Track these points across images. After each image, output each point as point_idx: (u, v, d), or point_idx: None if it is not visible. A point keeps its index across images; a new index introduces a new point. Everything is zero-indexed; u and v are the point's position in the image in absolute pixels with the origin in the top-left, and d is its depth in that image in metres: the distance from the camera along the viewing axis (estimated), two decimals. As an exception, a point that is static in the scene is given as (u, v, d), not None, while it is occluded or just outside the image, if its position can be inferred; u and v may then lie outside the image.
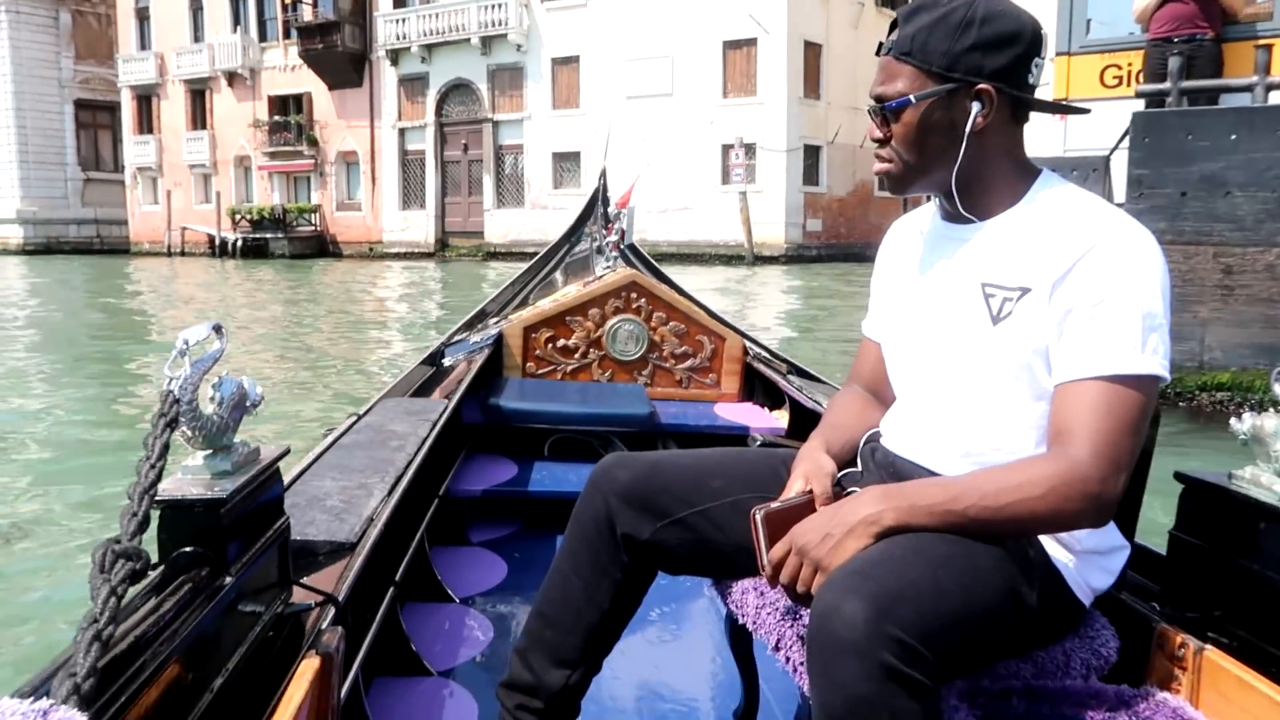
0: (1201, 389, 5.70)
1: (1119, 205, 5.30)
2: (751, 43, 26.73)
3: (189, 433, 1.06)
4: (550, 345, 3.44)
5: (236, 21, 35.62)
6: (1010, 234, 1.26)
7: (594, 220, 4.78)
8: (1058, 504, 1.13)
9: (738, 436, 3.07)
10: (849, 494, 1.30)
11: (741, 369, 3.46)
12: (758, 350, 3.53)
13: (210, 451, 1.09)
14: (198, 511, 1.03)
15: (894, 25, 1.27)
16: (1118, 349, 1.14)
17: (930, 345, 1.33)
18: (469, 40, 30.32)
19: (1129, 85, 6.92)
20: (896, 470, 1.36)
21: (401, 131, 32.70)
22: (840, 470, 1.39)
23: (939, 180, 1.28)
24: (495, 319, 3.90)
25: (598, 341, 3.44)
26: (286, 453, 1.22)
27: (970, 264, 1.28)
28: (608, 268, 3.84)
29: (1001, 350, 1.23)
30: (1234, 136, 5.45)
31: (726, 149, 26.69)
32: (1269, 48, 5.80)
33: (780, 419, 3.17)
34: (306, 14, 32.91)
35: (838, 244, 28.42)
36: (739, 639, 1.61)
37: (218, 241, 34.70)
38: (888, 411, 1.45)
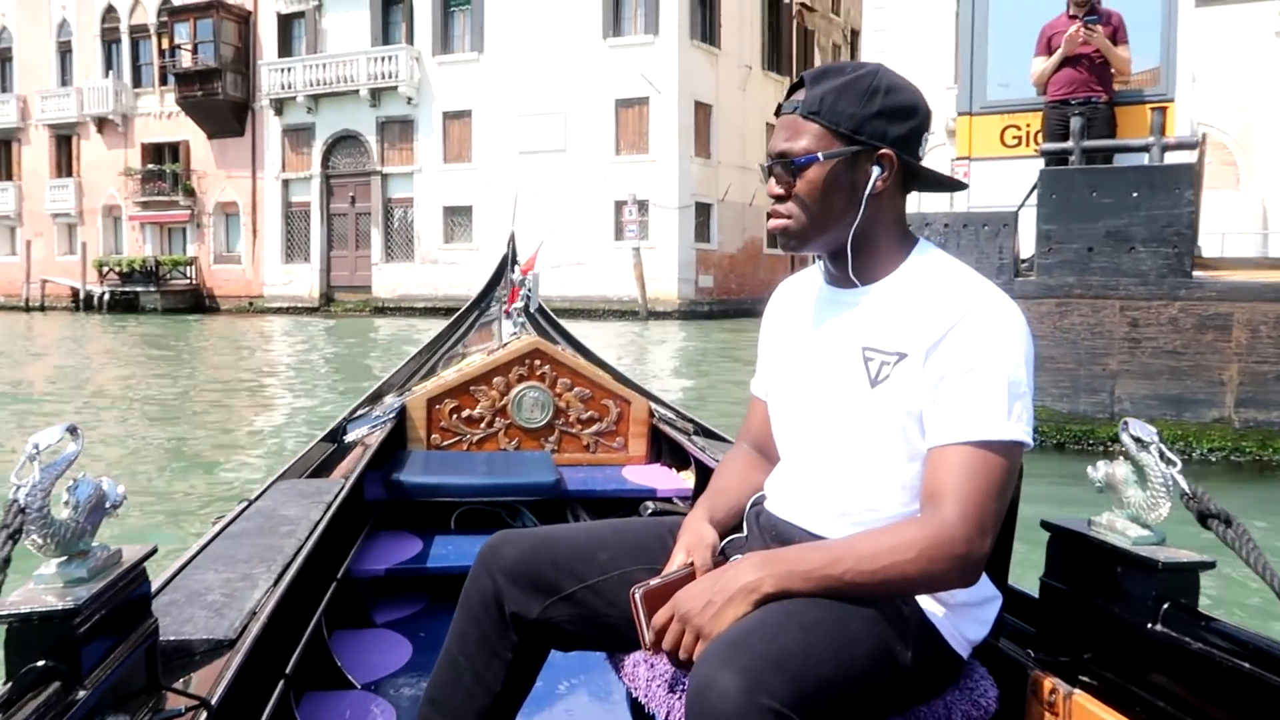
0: (1114, 439, 5.78)
1: (1028, 260, 5.42)
2: (644, 101, 27.13)
3: (40, 541, 1.03)
4: (455, 416, 3.41)
5: (109, 66, 34.20)
6: (890, 300, 1.29)
7: (503, 285, 4.79)
8: (928, 566, 1.16)
9: (646, 499, 3.06)
10: (733, 561, 1.30)
11: (648, 431, 3.48)
12: (663, 412, 3.55)
13: (64, 558, 1.05)
14: (47, 624, 0.99)
15: (796, 86, 1.31)
16: (985, 416, 1.19)
17: (811, 406, 1.36)
18: (358, 92, 29.85)
19: (1028, 145, 7.15)
20: (779, 534, 1.37)
21: (285, 183, 31.80)
22: (727, 535, 1.43)
23: (835, 240, 1.30)
24: (399, 391, 3.85)
25: (503, 410, 3.43)
26: (153, 552, 1.18)
27: (852, 328, 1.32)
28: (514, 334, 3.84)
29: (878, 412, 1.27)
30: (1135, 194, 5.63)
31: (620, 205, 26.86)
32: (1163, 110, 6.06)
33: (687, 480, 3.19)
34: (185, 60, 31.83)
35: (729, 299, 28.84)
36: (638, 713, 1.56)
37: (82, 295, 32.84)
38: (772, 473, 1.46)
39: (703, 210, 28.18)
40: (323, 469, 2.86)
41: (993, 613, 1.33)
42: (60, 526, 1.05)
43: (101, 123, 34.02)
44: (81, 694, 1.00)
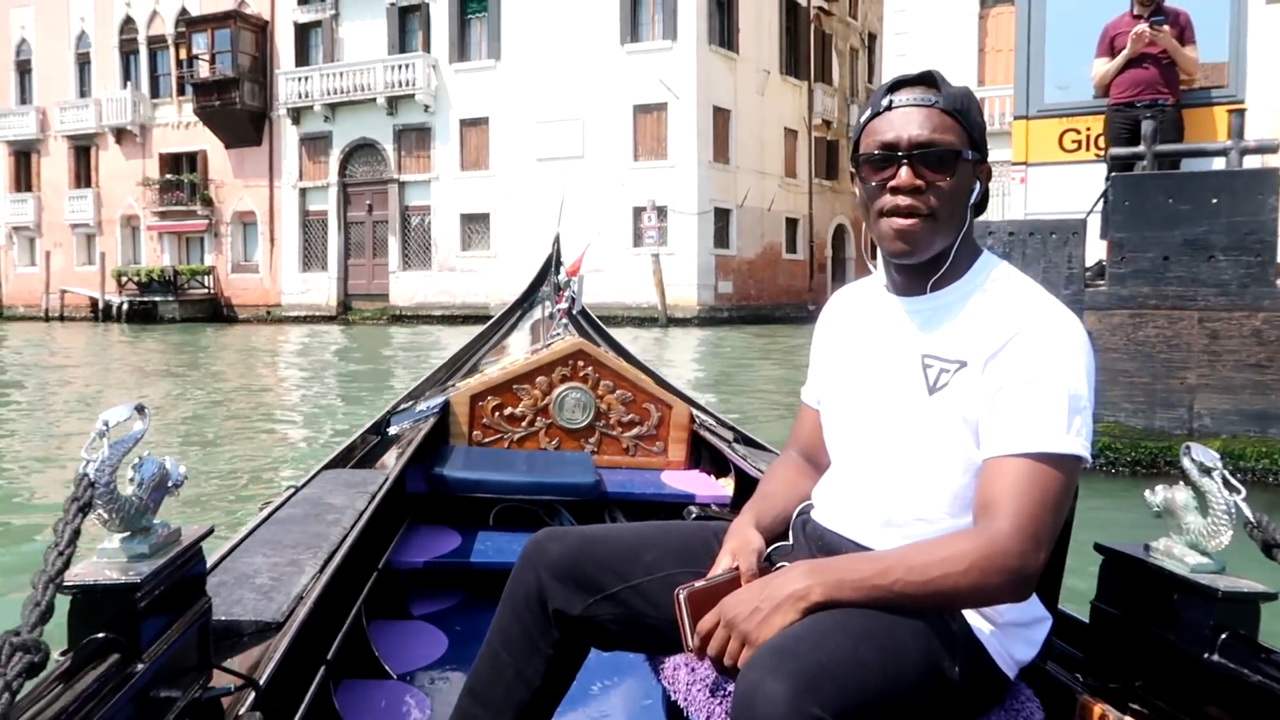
0: (1192, 457, 5.54)
1: (1092, 268, 5.18)
2: (662, 107, 26.98)
3: (105, 516, 1.06)
4: (497, 413, 3.41)
5: (127, 77, 34.25)
6: (952, 308, 1.29)
7: (547, 285, 4.78)
8: (980, 579, 1.15)
9: (683, 504, 3.04)
10: (778, 569, 1.29)
11: (688, 437, 3.47)
12: (704, 418, 3.54)
13: (128, 534, 1.08)
14: (110, 596, 1.02)
15: (915, 81, 1.29)
16: (1043, 428, 1.18)
17: (866, 413, 1.35)
18: (375, 100, 29.80)
19: (1088, 149, 6.91)
20: (825, 544, 1.37)
21: (303, 191, 31.77)
22: (772, 543, 1.42)
23: (944, 244, 1.28)
24: (443, 386, 3.86)
25: (545, 410, 3.43)
26: (210, 532, 1.21)
27: (912, 335, 1.31)
28: (556, 335, 3.83)
29: (935, 420, 1.26)
30: (1215, 200, 5.39)
31: (638, 211, 26.68)
32: (1242, 113, 5.82)
33: (726, 487, 3.17)
34: (203, 70, 31.83)
35: (748, 306, 28.64)
36: (675, 715, 1.56)
37: (101, 305, 32.85)
38: (820, 481, 1.46)
39: (721, 216, 28.01)
40: (367, 460, 2.90)
41: (1042, 634, 1.32)
42: (125, 502, 1.07)
43: (120, 133, 34.07)
44: (139, 667, 1.03)
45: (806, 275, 32.71)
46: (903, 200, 1.26)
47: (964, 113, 1.27)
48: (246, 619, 1.43)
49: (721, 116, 27.96)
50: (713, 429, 3.45)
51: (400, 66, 29.53)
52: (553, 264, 4.89)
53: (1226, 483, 1.23)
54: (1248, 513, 1.22)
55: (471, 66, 29.34)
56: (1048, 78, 7.04)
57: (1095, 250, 6.05)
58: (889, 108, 1.29)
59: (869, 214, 1.32)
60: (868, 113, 1.32)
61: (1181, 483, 1.30)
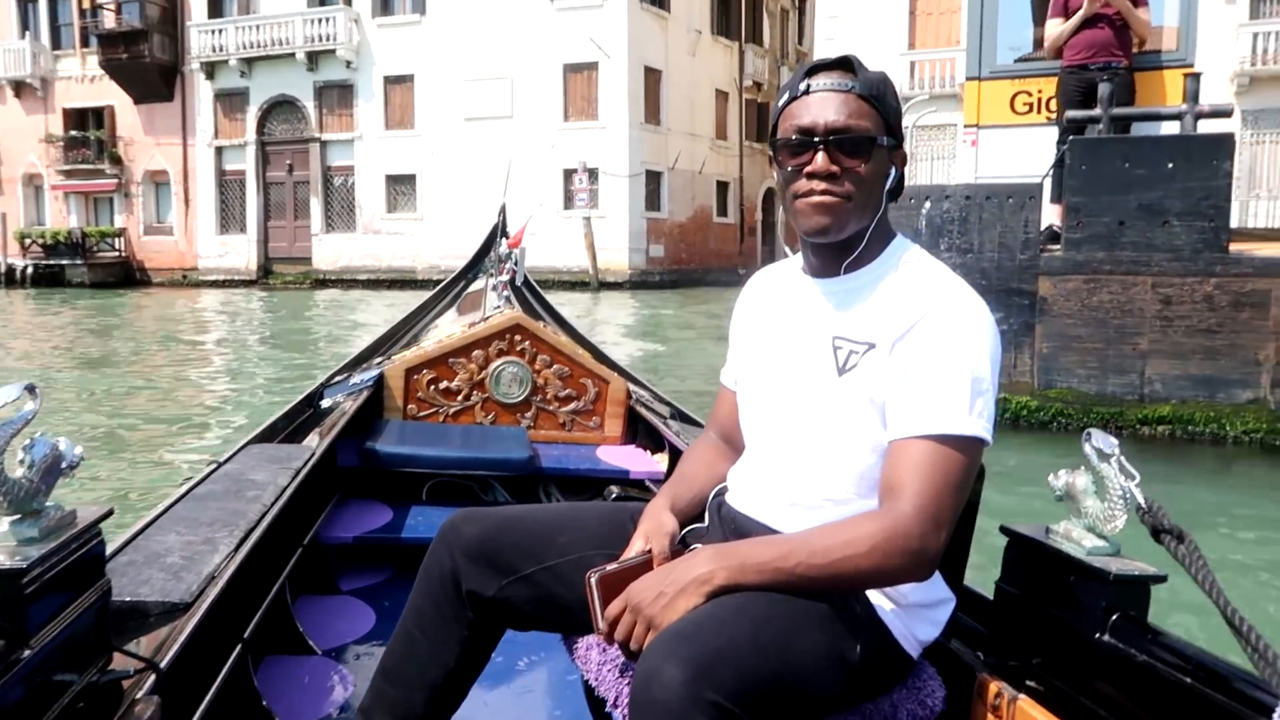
0: (1143, 422, 5.57)
1: (1043, 232, 5.12)
2: (593, 66, 26.51)
3: None
4: (432, 387, 3.39)
5: (25, 26, 32.29)
6: (864, 291, 1.30)
7: (490, 257, 4.72)
8: (882, 560, 1.16)
9: (619, 480, 3.08)
10: (691, 550, 1.32)
11: (625, 412, 3.47)
12: (641, 394, 3.53)
13: (18, 517, 1.07)
14: None
15: (832, 65, 1.29)
16: (946, 411, 1.19)
17: (779, 394, 1.36)
18: (294, 55, 28.68)
19: (1039, 112, 6.86)
20: (738, 526, 1.38)
21: (219, 150, 30.50)
22: (689, 524, 1.44)
23: (859, 227, 1.30)
24: (379, 359, 3.81)
25: (481, 384, 3.42)
26: (109, 514, 1.20)
27: (824, 316, 1.33)
28: (497, 308, 3.80)
29: (844, 401, 1.27)
30: (1171, 165, 5.36)
31: (569, 173, 26.25)
32: (1197, 76, 5.80)
33: (661, 463, 3.17)
34: (109, 21, 30.17)
35: (680, 269, 28.52)
36: (592, 694, 1.54)
37: (3, 269, 31.19)
38: (735, 464, 1.47)
39: (653, 178, 27.74)
40: (296, 434, 2.84)
41: (945, 614, 1.34)
42: (13, 485, 1.05)
43: (19, 86, 32.14)
44: (26, 653, 1.01)
45: (737, 239, 32.71)
46: (818, 184, 1.27)
47: (880, 98, 1.28)
48: (153, 600, 1.40)
49: (653, 77, 27.59)
50: (649, 404, 3.43)
51: (320, 20, 28.42)
52: (497, 234, 4.84)
53: (1123, 468, 1.26)
54: (1140, 498, 1.25)
55: (395, 21, 28.39)
56: (1000, 39, 6.94)
57: (1047, 214, 6.01)
58: (806, 92, 1.29)
59: (785, 194, 1.32)
60: (784, 96, 1.32)
61: (1082, 468, 1.32)
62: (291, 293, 26.96)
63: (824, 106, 1.27)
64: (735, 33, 31.91)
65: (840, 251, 1.31)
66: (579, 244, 25.70)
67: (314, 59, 28.76)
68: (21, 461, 1.08)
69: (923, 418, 1.20)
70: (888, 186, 1.31)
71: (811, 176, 1.27)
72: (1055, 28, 6.44)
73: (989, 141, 6.93)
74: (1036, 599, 1.36)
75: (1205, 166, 5.30)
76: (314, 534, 2.50)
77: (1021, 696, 1.27)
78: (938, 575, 1.28)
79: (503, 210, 5.01)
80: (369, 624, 2.33)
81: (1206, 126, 5.76)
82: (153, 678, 1.23)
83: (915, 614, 1.29)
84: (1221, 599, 1.12)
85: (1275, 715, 0.95)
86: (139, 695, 1.20)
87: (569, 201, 26.44)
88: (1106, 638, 1.24)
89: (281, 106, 29.79)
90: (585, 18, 26.37)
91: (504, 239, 4.73)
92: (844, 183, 1.26)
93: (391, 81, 28.55)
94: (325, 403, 3.25)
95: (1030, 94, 6.88)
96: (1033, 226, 5.64)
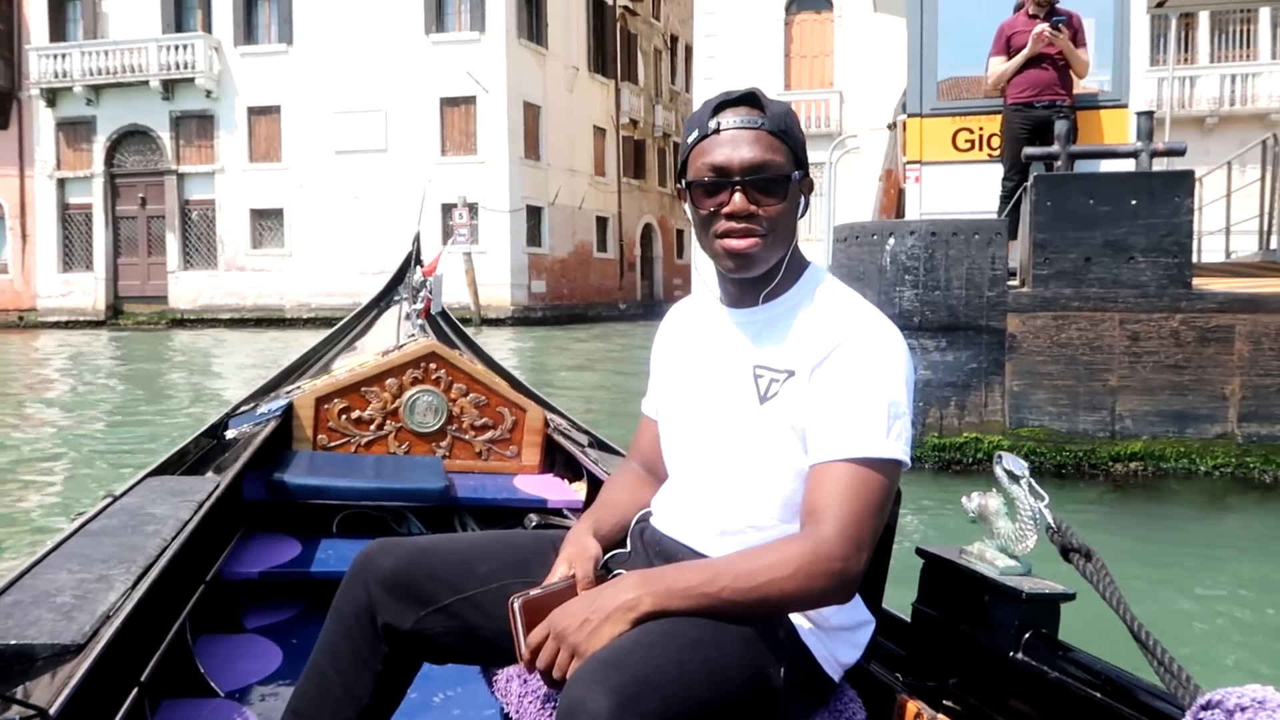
0: (1115, 459, 5.53)
1: (1012, 269, 5.04)
2: (470, 100, 26.11)
3: None
4: (344, 416, 3.29)
5: None
6: (781, 320, 1.33)
7: (404, 285, 4.67)
8: (805, 583, 1.18)
9: (536, 509, 3.00)
10: (615, 576, 1.33)
11: (543, 440, 3.42)
12: (559, 422, 3.49)
13: None
14: None
15: (738, 101, 1.31)
16: (864, 434, 1.22)
17: (701, 422, 1.38)
18: (147, 83, 27.09)
19: (981, 149, 6.87)
20: (663, 550, 1.39)
21: (61, 182, 28.39)
22: (611, 550, 1.44)
23: (776, 258, 1.33)
24: (287, 388, 3.69)
25: (394, 413, 3.32)
26: None
27: (744, 346, 1.35)
28: (412, 336, 3.75)
29: (766, 429, 1.30)
30: (1134, 202, 5.38)
31: (448, 208, 25.59)
32: (1150, 114, 5.89)
33: (579, 491, 3.12)
34: (-67, 41, 27.75)
35: (561, 305, 28.24)
36: None
37: None
38: (659, 491, 1.48)
39: (533, 214, 27.44)
40: (199, 466, 2.75)
41: (865, 636, 1.36)
42: None
43: None
44: None
45: (617, 274, 32.66)
46: (737, 225, 1.28)
47: (788, 132, 1.30)
48: (41, 642, 1.33)
49: (532, 112, 27.36)
50: (567, 433, 3.40)
51: (177, 47, 26.98)
52: (411, 263, 4.76)
53: (1032, 490, 1.30)
54: (1049, 518, 1.28)
55: (260, 50, 27.24)
56: (940, 77, 6.94)
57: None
58: (716, 130, 1.30)
59: (702, 234, 1.33)
60: (694, 134, 1.32)
61: (994, 490, 1.36)
62: (146, 333, 25.16)
63: (736, 145, 1.28)
64: (611, 71, 32.07)
65: (757, 283, 1.34)
66: (459, 280, 25.00)
67: (170, 87, 27.25)
68: None
69: (842, 442, 1.23)
70: (799, 215, 1.34)
71: (730, 217, 1.28)
72: (998, 65, 6.46)
73: (932, 178, 6.89)
74: (952, 619, 1.39)
75: (1168, 203, 5.35)
76: (217, 570, 2.41)
77: (940, 716, 1.29)
78: (858, 598, 1.29)
79: (417, 239, 4.91)
80: (275, 663, 2.25)
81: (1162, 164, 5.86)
82: None
83: (836, 636, 1.31)
84: (1128, 615, 1.13)
85: None
86: None
87: (447, 237, 25.73)
88: (1020, 655, 1.27)
89: (133, 137, 28.04)
90: (462, 51, 25.97)
91: (418, 267, 4.66)
92: (761, 221, 1.28)
93: (256, 112, 27.35)
94: (230, 433, 3.14)
95: (971, 131, 6.89)
96: (999, 263, 5.56)
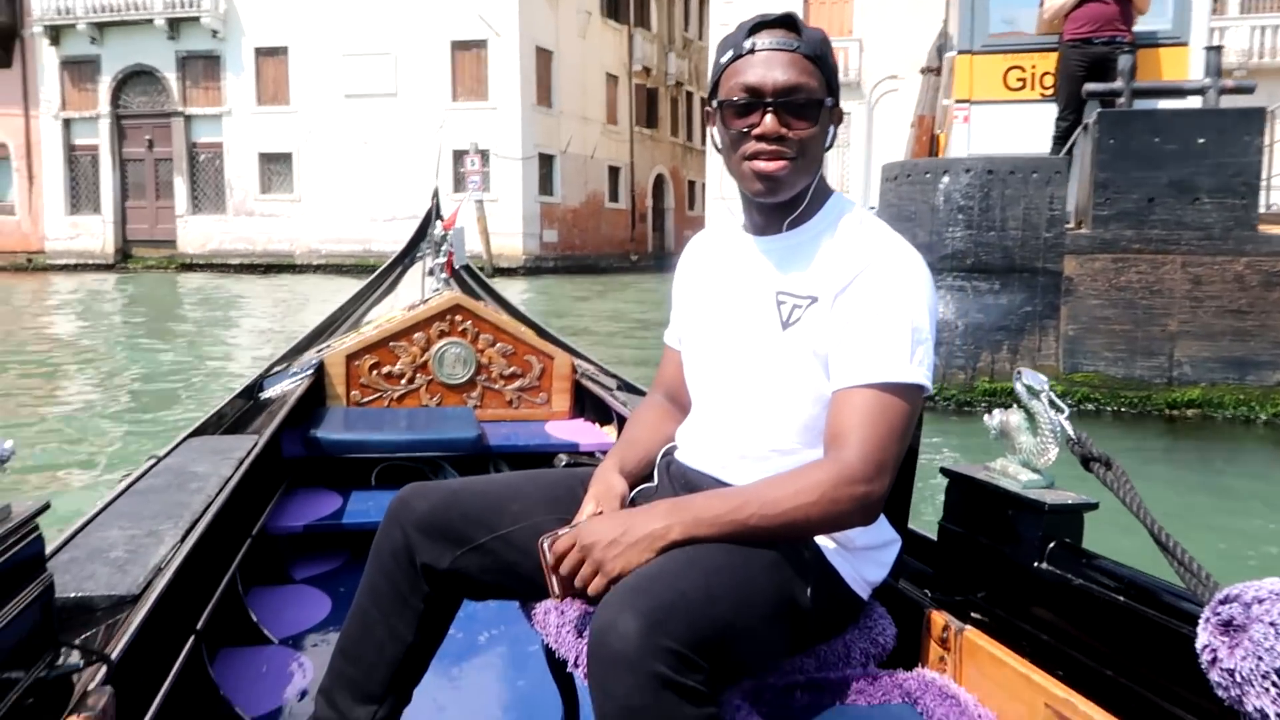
0: (1171, 405, 5.41)
1: (1084, 207, 4.86)
2: (481, 44, 25.59)
3: None
4: (374, 372, 3.39)
5: None
6: (805, 247, 1.34)
7: (427, 241, 4.74)
8: (830, 507, 1.20)
9: (568, 452, 3.09)
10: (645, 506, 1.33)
11: (571, 386, 3.50)
12: (586, 367, 3.57)
13: None
14: None
15: (775, 23, 1.29)
16: (887, 359, 1.23)
17: (724, 350, 1.39)
18: (152, 21, 26.55)
19: (1033, 88, 6.65)
20: (689, 481, 1.41)
21: (66, 123, 27.97)
22: (638, 485, 1.48)
23: (803, 185, 1.32)
24: (318, 347, 3.79)
25: (424, 366, 3.42)
26: (45, 507, 1.18)
27: (767, 273, 1.36)
28: (436, 290, 3.83)
29: (788, 354, 1.31)
30: (1202, 140, 5.19)
31: (459, 154, 25.24)
32: (1219, 50, 5.67)
33: (610, 434, 3.19)
34: (-66, -24, 27.22)
35: (572, 255, 27.98)
36: (554, 658, 1.53)
37: None
38: (683, 422, 1.49)
39: (545, 162, 27.06)
40: (237, 425, 2.83)
41: (892, 555, 1.39)
42: None
43: None
44: None
45: (629, 225, 32.34)
46: (767, 146, 1.27)
47: (823, 58, 1.28)
48: (99, 594, 1.39)
49: (544, 57, 26.85)
50: (595, 378, 3.47)
51: (182, -16, 26.39)
52: (432, 218, 4.86)
53: (1052, 403, 1.32)
54: (1070, 430, 1.29)
55: (267, -12, 26.64)
56: (993, 11, 6.70)
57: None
58: (751, 50, 1.28)
59: (730, 156, 1.32)
60: (729, 54, 1.30)
61: (1015, 406, 1.37)
62: (154, 277, 25.01)
63: (770, 66, 1.27)
64: (624, 16, 31.44)
65: (783, 209, 1.33)
66: (470, 228, 24.76)
67: (175, 26, 26.73)
68: None
69: (865, 367, 1.23)
70: (827, 144, 1.32)
71: (760, 139, 1.27)
72: (1055, 1, 6.22)
73: (982, 118, 6.69)
74: (977, 534, 1.42)
75: (1237, 142, 5.16)
76: (262, 524, 2.50)
77: (968, 628, 1.34)
78: (883, 519, 1.31)
79: (435, 194, 5.06)
80: (324, 611, 2.34)
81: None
82: (104, 669, 1.22)
83: (863, 557, 1.34)
84: (1149, 519, 1.15)
85: (1201, 622, 0.97)
86: (91, 687, 1.19)
87: (459, 184, 25.42)
88: (1044, 565, 1.29)
89: (139, 77, 27.57)
90: (473, -7, 25.39)
91: (439, 221, 4.75)
92: (791, 144, 1.27)
93: (264, 54, 26.84)
94: (265, 393, 3.22)
95: (1024, 69, 6.67)
96: (1058, 202, 5.39)
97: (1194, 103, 6.05)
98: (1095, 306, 5.41)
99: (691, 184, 36.41)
